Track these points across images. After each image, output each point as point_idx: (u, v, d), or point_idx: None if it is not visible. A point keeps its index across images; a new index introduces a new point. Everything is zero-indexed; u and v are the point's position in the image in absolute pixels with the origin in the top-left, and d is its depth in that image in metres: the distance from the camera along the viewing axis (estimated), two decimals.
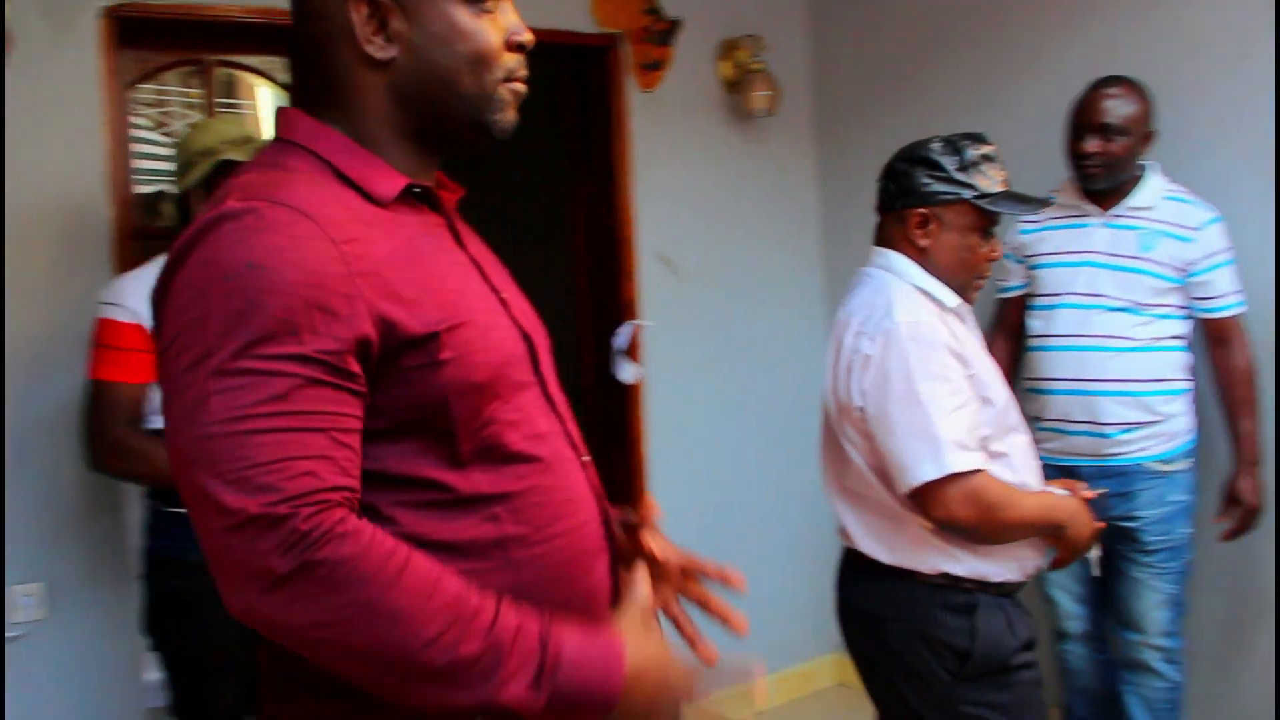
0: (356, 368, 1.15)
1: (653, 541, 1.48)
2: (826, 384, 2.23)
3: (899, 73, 4.07)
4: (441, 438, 1.22)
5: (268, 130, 4.15)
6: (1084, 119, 3.03)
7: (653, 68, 3.89)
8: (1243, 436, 2.96)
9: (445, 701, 1.11)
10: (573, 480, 1.34)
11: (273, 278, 1.11)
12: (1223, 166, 3.14)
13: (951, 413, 2.03)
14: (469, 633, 1.10)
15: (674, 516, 3.69)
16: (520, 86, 1.36)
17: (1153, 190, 3.02)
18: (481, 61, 1.31)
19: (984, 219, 2.20)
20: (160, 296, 1.19)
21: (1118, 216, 3.04)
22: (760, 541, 4.09)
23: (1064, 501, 2.14)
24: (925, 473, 2.01)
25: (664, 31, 3.87)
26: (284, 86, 3.64)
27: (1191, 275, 2.95)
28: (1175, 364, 3.00)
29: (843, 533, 2.27)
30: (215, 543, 1.08)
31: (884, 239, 2.27)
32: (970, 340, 2.18)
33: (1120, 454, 2.99)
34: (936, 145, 2.20)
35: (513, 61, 1.34)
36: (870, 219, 4.36)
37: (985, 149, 2.20)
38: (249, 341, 1.10)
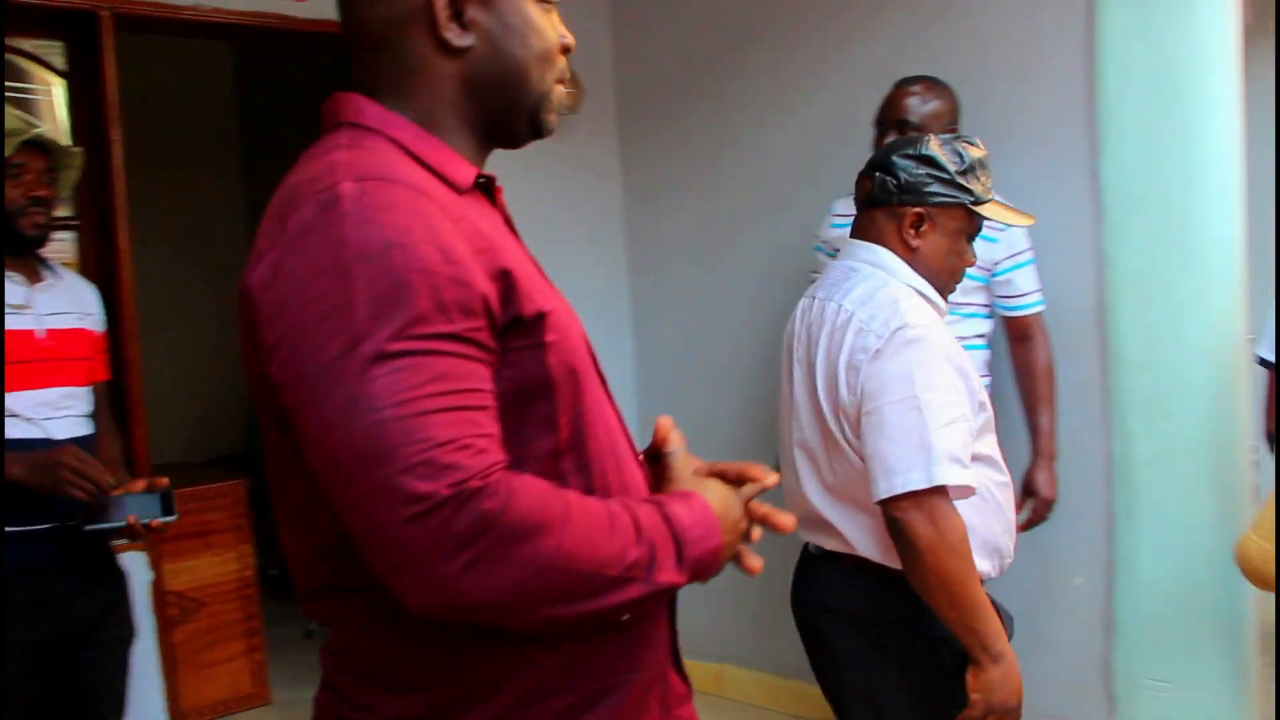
0: (493, 343, 1.13)
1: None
2: (819, 383, 2.10)
3: (701, 70, 4.06)
4: (540, 425, 1.20)
5: (46, 118, 3.86)
6: (887, 116, 3.06)
7: None
8: (1041, 431, 3.04)
9: (617, 603, 1.12)
10: (637, 478, 1.32)
11: (414, 255, 1.07)
12: (1008, 168, 3.25)
13: (947, 425, 1.95)
14: (627, 539, 1.13)
15: None
16: (564, 89, 1.35)
17: None
18: (547, 59, 1.30)
19: (972, 225, 2.15)
20: (268, 286, 1.10)
21: None
22: None
23: (1007, 645, 1.98)
24: (914, 480, 1.92)
25: None
26: (60, 73, 3.40)
27: (996, 274, 3.02)
28: (978, 362, 3.05)
29: (829, 535, 2.15)
30: (397, 535, 1.03)
31: (871, 233, 2.15)
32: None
33: None
34: (936, 144, 2.12)
35: (563, 62, 1.33)
36: (675, 219, 4.39)
37: (980, 153, 2.14)
38: (404, 322, 1.05)
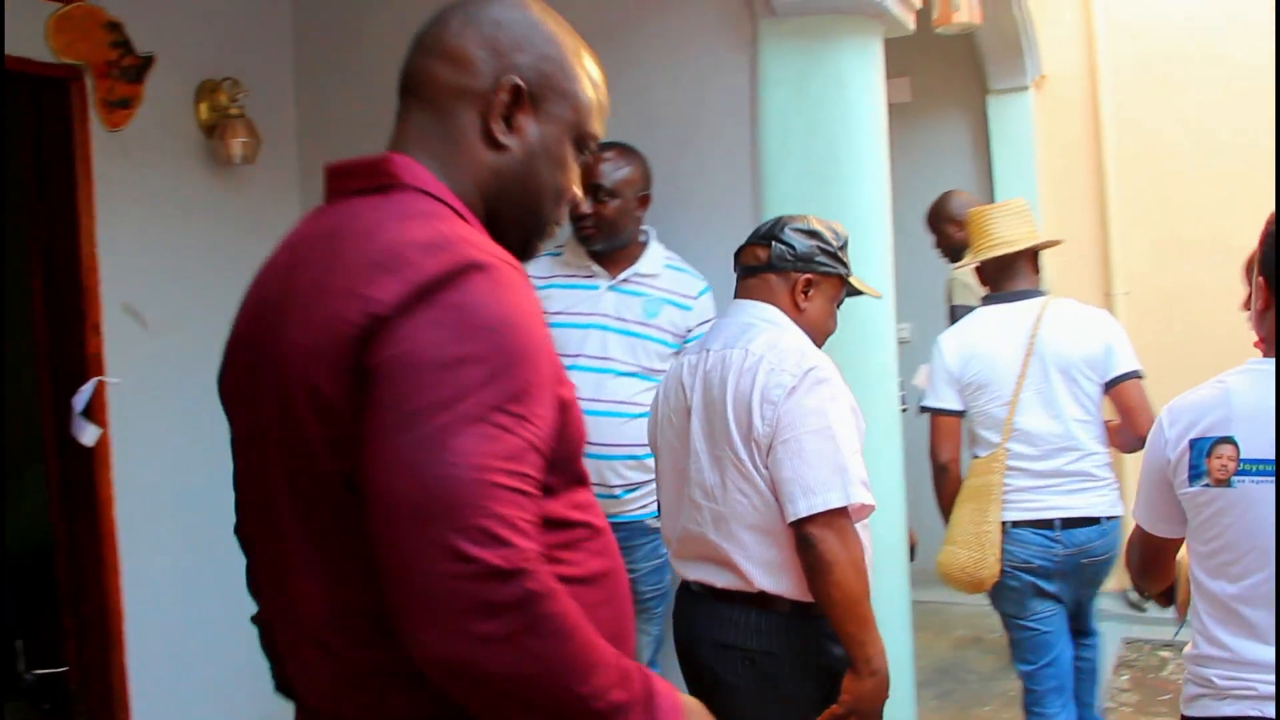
0: (554, 441, 1.18)
1: None
2: (730, 418, 2.22)
3: (386, 123, 3.91)
4: (572, 482, 1.27)
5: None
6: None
7: (121, 106, 3.48)
8: None
9: None
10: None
11: (525, 340, 1.15)
12: (680, 232, 3.28)
13: (855, 453, 2.16)
14: (617, 680, 1.15)
15: (150, 583, 3.34)
16: (554, 232, 1.43)
17: (654, 258, 3.08)
18: (560, 196, 1.40)
19: (841, 292, 2.41)
20: (391, 322, 1.13)
21: (625, 282, 3.07)
22: (242, 603, 3.79)
23: (885, 663, 2.17)
24: (833, 499, 2.11)
25: (134, 67, 3.48)
26: None
27: (688, 341, 3.03)
28: None
29: (722, 572, 2.24)
30: (436, 588, 1.05)
31: (762, 294, 2.37)
32: None
33: (623, 512, 3.01)
34: (818, 222, 2.38)
35: (565, 212, 1.42)
36: None
37: (846, 234, 2.41)
38: (504, 395, 1.11)
